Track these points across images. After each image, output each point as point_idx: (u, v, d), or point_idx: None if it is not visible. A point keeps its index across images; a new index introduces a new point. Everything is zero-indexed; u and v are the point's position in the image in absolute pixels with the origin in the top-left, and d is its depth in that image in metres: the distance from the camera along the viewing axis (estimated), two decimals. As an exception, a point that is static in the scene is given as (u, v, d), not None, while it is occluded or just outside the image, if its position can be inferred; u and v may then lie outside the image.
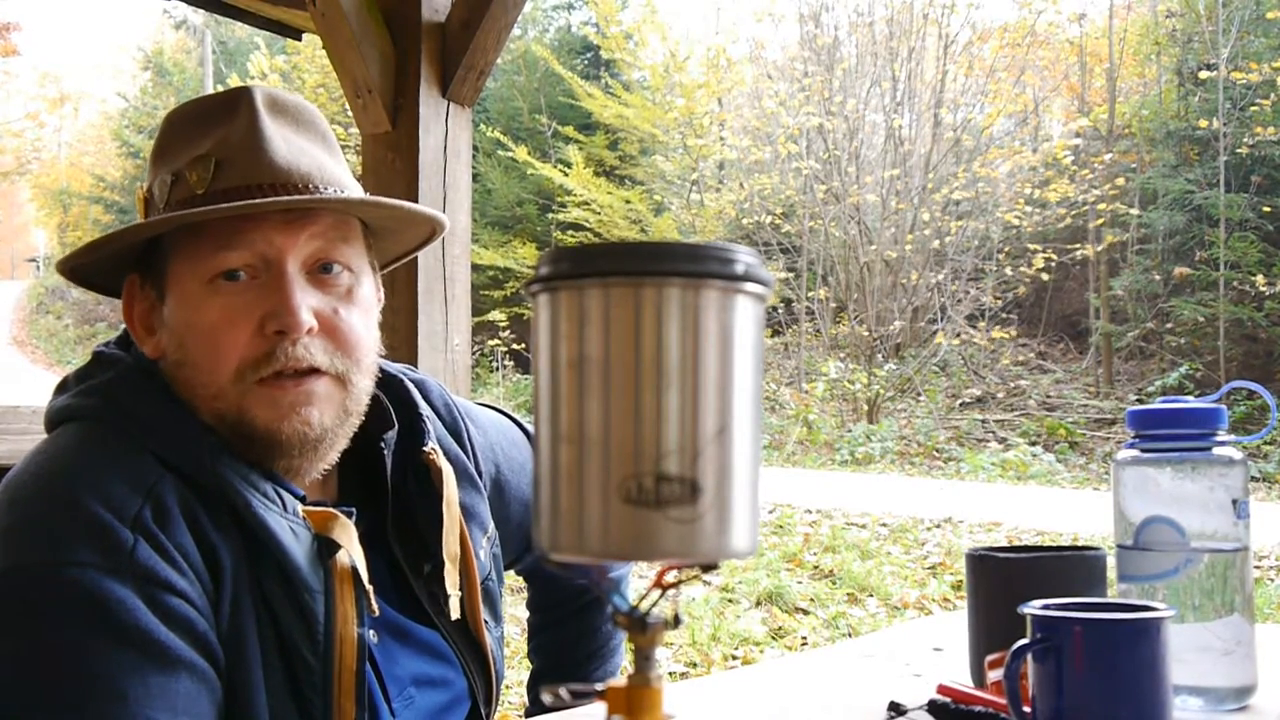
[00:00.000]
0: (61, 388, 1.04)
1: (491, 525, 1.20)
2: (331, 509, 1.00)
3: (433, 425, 1.14)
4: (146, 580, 0.88)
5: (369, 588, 0.99)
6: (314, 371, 0.98)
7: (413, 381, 1.17)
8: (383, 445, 1.09)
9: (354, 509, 1.02)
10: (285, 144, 1.01)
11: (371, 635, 1.04)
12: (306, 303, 0.98)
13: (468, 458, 1.19)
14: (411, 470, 1.10)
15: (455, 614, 1.09)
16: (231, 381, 0.97)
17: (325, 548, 0.98)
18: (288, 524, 0.97)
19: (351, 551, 0.98)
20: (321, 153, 1.04)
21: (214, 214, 0.95)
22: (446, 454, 1.14)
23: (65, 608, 0.86)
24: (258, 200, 0.96)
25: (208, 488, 0.95)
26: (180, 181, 0.99)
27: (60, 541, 0.87)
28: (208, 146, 1.00)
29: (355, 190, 1.05)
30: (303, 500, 1.01)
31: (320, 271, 1.01)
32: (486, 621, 1.14)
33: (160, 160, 1.03)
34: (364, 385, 1.04)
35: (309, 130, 1.06)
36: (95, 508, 0.89)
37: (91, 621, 0.85)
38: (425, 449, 1.10)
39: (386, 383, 1.12)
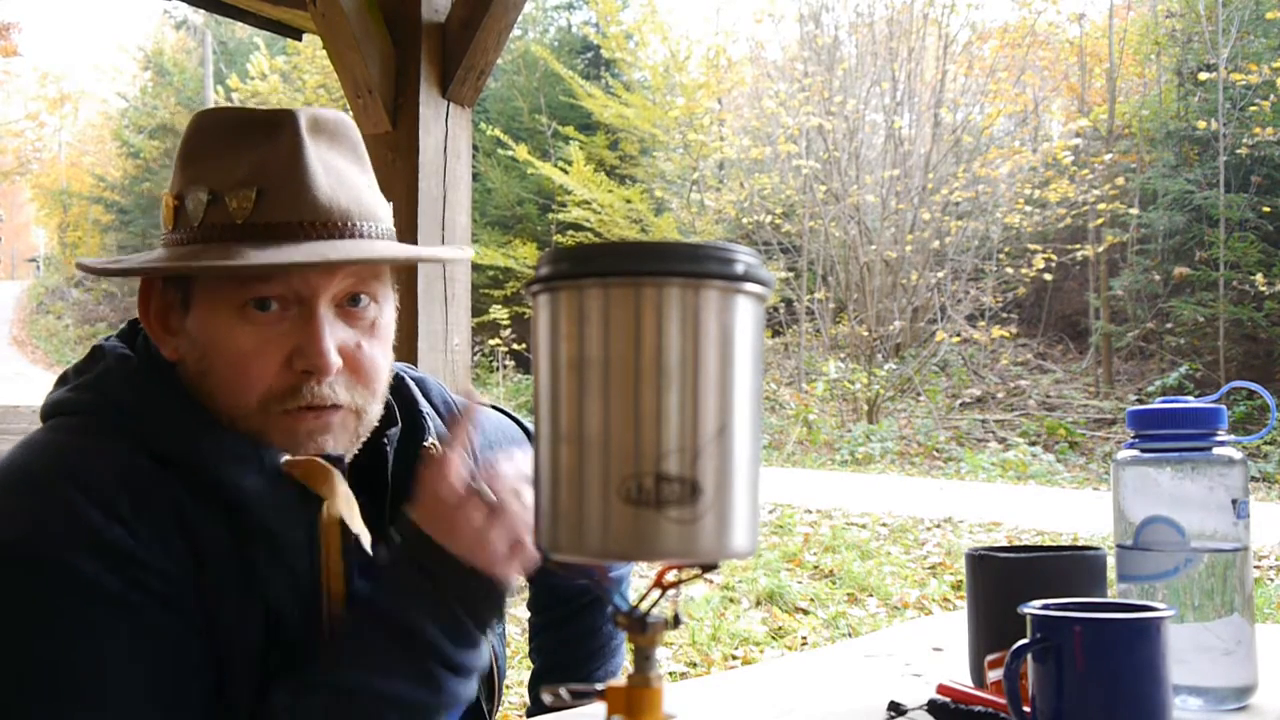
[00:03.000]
0: (60, 382, 1.06)
1: None
2: (317, 459, 1.00)
3: (432, 422, 1.15)
4: (117, 557, 0.89)
5: (357, 532, 0.99)
6: (334, 407, 1.00)
7: (413, 379, 1.19)
8: (385, 442, 1.10)
9: (342, 454, 1.03)
10: (326, 174, 1.01)
11: None
12: (334, 340, 0.99)
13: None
14: (412, 467, 1.11)
15: None
16: (254, 410, 0.98)
17: (309, 500, 0.99)
18: (266, 480, 0.97)
19: (338, 502, 0.99)
20: (357, 174, 1.05)
21: (256, 271, 0.95)
22: None
23: (35, 580, 0.87)
24: (301, 261, 0.95)
25: (193, 469, 0.96)
26: (218, 204, 0.98)
27: (31, 522, 0.89)
28: (247, 169, 0.99)
29: (387, 217, 1.05)
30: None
31: (349, 304, 1.02)
32: None
33: (193, 169, 1.01)
34: (375, 411, 1.06)
35: (345, 147, 1.05)
36: (73, 495, 0.90)
37: (62, 588, 0.87)
38: (426, 444, 1.11)
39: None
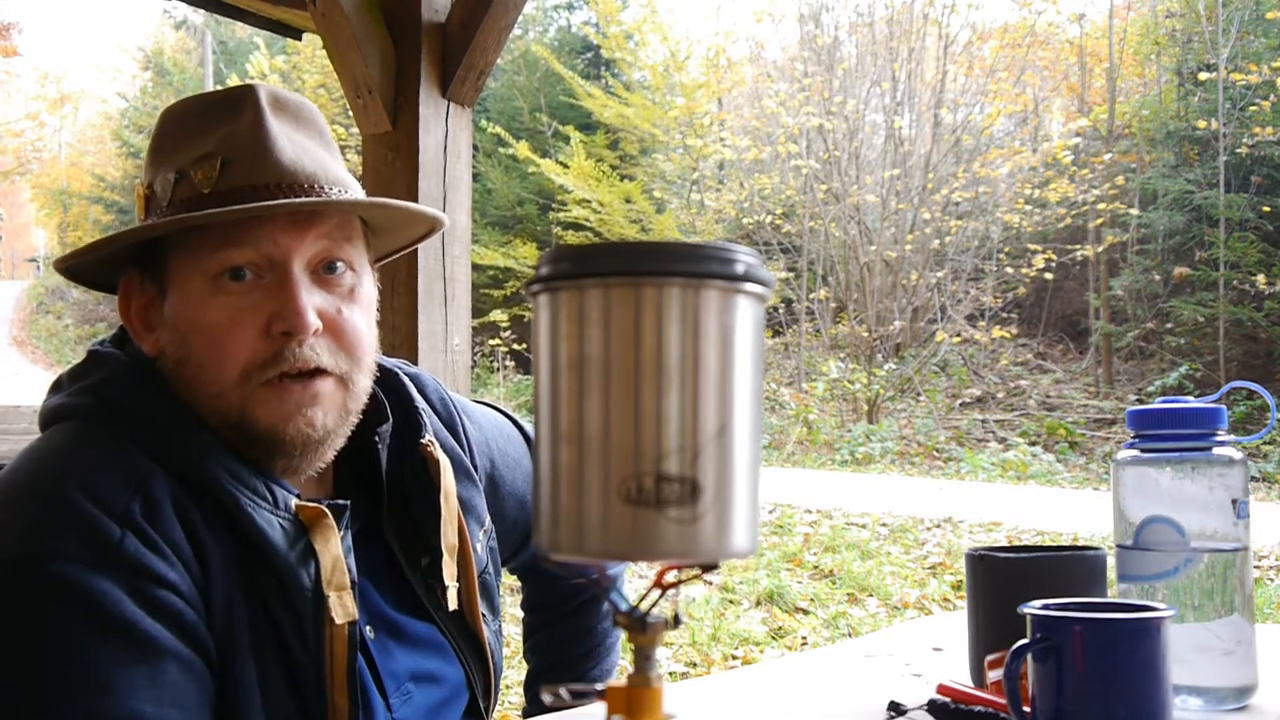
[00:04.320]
0: (56, 387, 1.04)
1: (488, 519, 1.20)
2: (322, 506, 0.99)
3: (429, 418, 1.15)
4: (133, 572, 0.87)
5: (350, 583, 0.99)
6: (318, 372, 0.99)
7: (408, 375, 1.17)
8: (377, 439, 1.09)
9: (348, 502, 1.02)
10: (290, 143, 1.01)
11: (369, 631, 1.04)
12: (312, 303, 0.98)
13: (463, 452, 1.19)
14: (408, 463, 1.11)
15: (453, 605, 1.09)
16: (236, 383, 0.97)
17: (313, 544, 0.99)
18: (278, 521, 0.96)
19: (330, 552, 0.98)
20: (322, 151, 1.05)
21: (223, 216, 0.95)
22: (442, 447, 1.14)
23: (48, 601, 0.86)
24: (268, 202, 0.96)
25: (199, 485, 0.95)
26: (184, 180, 0.98)
27: (46, 536, 0.87)
28: (212, 144, 0.99)
29: (356, 189, 1.05)
30: (297, 497, 1.01)
31: (324, 271, 1.01)
32: (484, 615, 1.14)
33: (161, 156, 1.02)
34: (364, 384, 1.04)
35: (309, 128, 1.06)
36: (83, 502, 0.88)
37: (75, 615, 0.85)
38: (423, 441, 1.10)
39: (382, 376, 1.12)
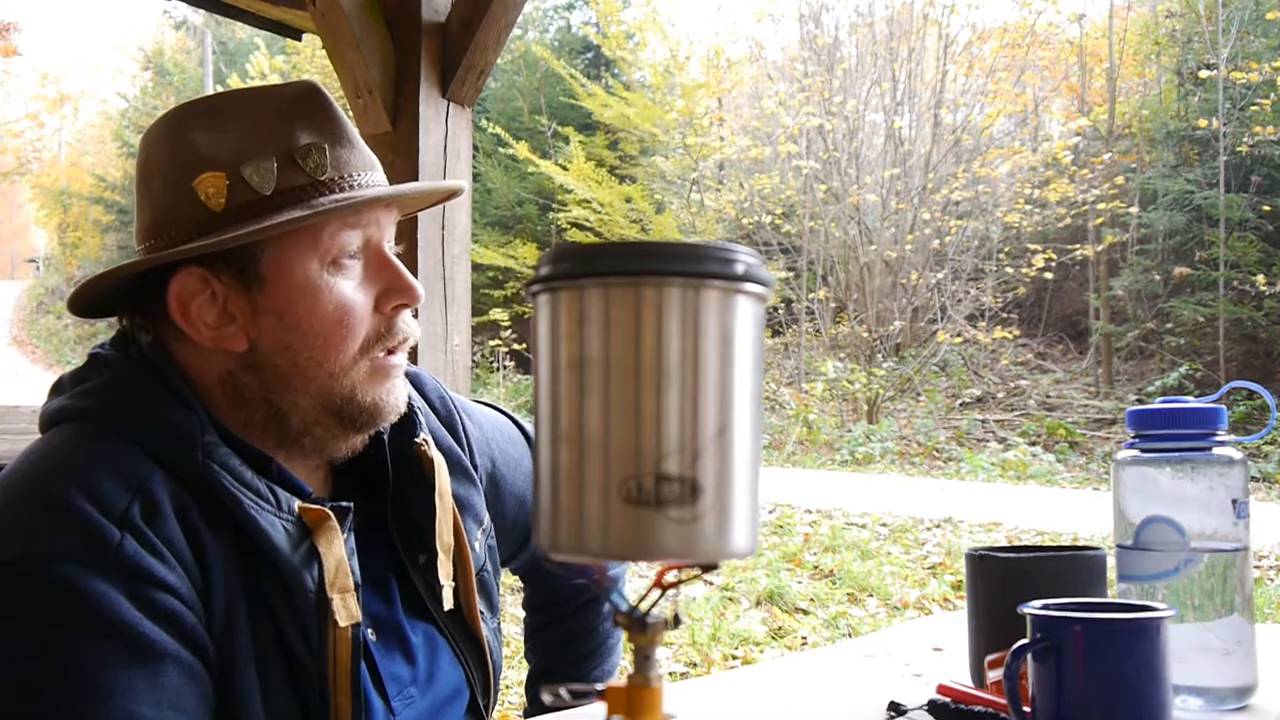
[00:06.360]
0: (56, 389, 1.03)
1: (487, 518, 1.20)
2: (325, 508, 0.99)
3: (425, 418, 1.15)
4: (132, 575, 0.87)
5: (354, 585, 0.99)
6: (404, 343, 1.07)
7: (407, 374, 1.17)
8: (382, 434, 1.10)
9: (352, 504, 1.02)
10: (357, 131, 1.07)
11: (371, 634, 1.04)
12: None
13: (463, 451, 1.19)
14: (403, 463, 1.11)
15: (449, 604, 1.10)
16: (354, 360, 1.01)
17: (316, 546, 0.99)
18: (280, 523, 0.96)
19: (334, 554, 0.98)
20: None
21: (384, 198, 1.01)
22: (439, 446, 1.14)
23: (48, 604, 0.85)
24: (406, 185, 1.05)
25: (200, 487, 0.94)
26: (290, 167, 0.98)
27: (45, 538, 0.87)
28: (308, 134, 1.01)
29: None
30: (308, 497, 1.01)
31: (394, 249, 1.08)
32: (482, 613, 1.15)
33: (234, 149, 0.99)
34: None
35: None
36: (82, 504, 0.88)
37: (74, 617, 0.85)
38: (416, 440, 1.11)
39: None
